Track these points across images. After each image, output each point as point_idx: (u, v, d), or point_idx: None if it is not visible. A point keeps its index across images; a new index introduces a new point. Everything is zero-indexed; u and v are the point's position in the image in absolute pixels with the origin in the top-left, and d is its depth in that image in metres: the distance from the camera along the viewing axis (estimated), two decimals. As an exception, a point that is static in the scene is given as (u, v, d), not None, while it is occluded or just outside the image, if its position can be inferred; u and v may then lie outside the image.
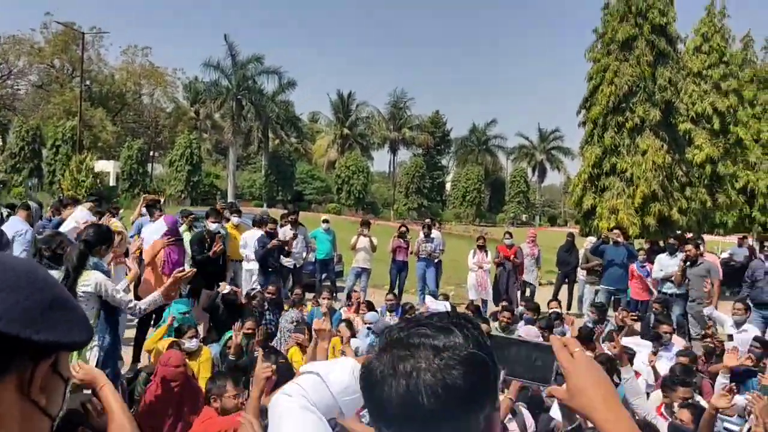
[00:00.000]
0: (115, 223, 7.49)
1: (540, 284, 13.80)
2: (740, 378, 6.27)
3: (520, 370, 1.25)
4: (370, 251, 12.49)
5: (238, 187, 50.45)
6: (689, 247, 9.84)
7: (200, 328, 7.32)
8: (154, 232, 8.42)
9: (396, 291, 12.11)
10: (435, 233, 13.09)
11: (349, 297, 10.57)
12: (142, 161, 45.58)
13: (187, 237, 9.79)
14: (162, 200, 11.08)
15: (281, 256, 10.70)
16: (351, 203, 50.67)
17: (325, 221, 13.06)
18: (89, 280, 4.67)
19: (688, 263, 9.71)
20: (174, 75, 56.80)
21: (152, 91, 56.60)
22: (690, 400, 4.79)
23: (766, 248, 9.54)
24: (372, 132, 60.30)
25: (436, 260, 12.76)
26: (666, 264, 10.49)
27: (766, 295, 9.08)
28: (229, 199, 41.23)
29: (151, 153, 53.72)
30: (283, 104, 52.32)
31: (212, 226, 9.24)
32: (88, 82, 49.86)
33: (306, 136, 61.43)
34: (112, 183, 47.18)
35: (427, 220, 13.99)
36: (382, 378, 1.01)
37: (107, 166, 48.57)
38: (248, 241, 10.58)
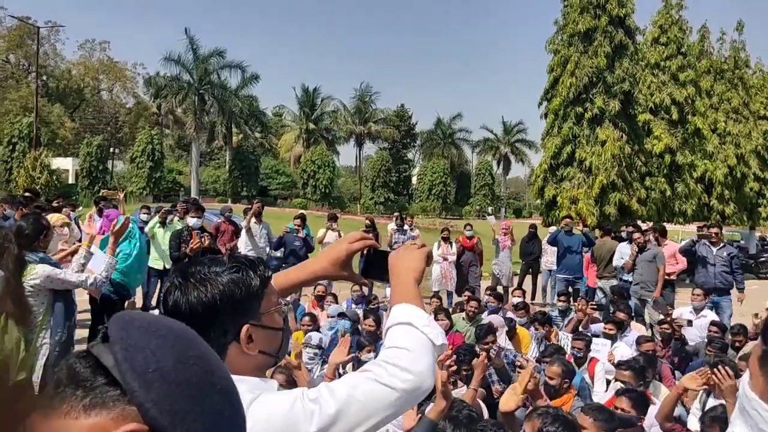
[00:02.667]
0: (61, 217, 7.21)
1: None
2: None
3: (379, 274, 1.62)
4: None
5: (202, 183, 49.77)
6: (637, 234, 10.06)
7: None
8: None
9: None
10: (406, 227, 13.29)
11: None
12: (102, 158, 44.65)
13: (160, 233, 9.59)
14: (122, 196, 10.77)
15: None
16: (317, 198, 50.40)
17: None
18: (36, 274, 4.51)
19: (638, 249, 9.93)
20: (134, 70, 55.88)
21: (111, 87, 55.56)
22: (634, 385, 4.79)
23: (712, 235, 9.60)
24: (338, 126, 60.02)
25: None
26: (626, 252, 10.64)
27: (713, 280, 9.32)
28: (193, 195, 40.66)
29: (112, 149, 52.70)
30: (247, 99, 51.72)
31: (191, 222, 8.87)
32: (44, 78, 48.70)
33: (271, 131, 60.89)
34: (71, 180, 46.18)
35: (396, 213, 14.14)
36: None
37: (66, 164, 47.51)
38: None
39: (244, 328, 1.35)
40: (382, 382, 1.26)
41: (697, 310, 8.36)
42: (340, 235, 12.33)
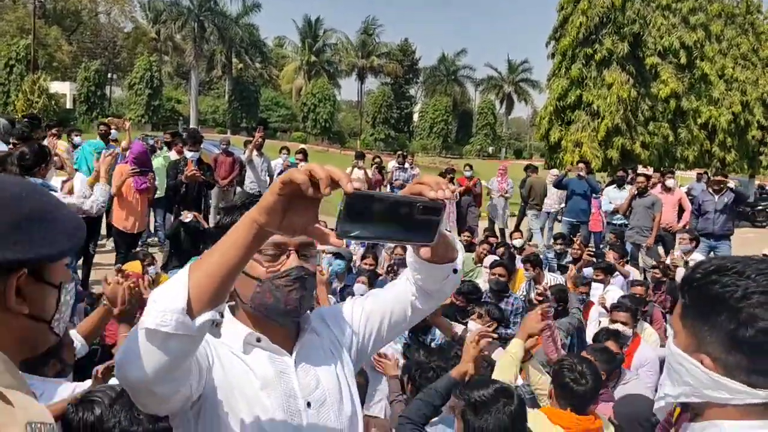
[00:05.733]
0: (59, 146, 7.20)
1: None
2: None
3: (396, 231, 1.12)
4: (365, 184, 12.26)
5: (201, 113, 49.27)
6: (640, 179, 10.08)
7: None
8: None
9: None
10: (407, 165, 13.29)
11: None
12: (100, 83, 44.01)
13: (156, 162, 9.57)
14: (128, 126, 10.68)
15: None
16: (317, 132, 50.01)
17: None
18: None
19: (637, 194, 9.98)
20: (132, -8, 54.33)
21: (109, 10, 54.19)
22: (629, 326, 4.92)
23: (712, 182, 9.97)
24: (339, 59, 58.99)
25: None
26: (614, 196, 10.72)
27: (712, 226, 9.51)
28: (192, 124, 40.32)
29: (109, 75, 51.86)
30: (247, 27, 50.63)
31: (189, 154, 8.90)
32: (40, -2, 47.41)
33: (271, 62, 59.87)
34: (68, 105, 45.65)
35: (400, 152, 14.12)
36: None
37: (63, 88, 46.85)
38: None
39: None
40: None
41: (686, 253, 8.50)
42: (367, 174, 12.24)
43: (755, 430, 1.11)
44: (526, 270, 7.35)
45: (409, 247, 1.48)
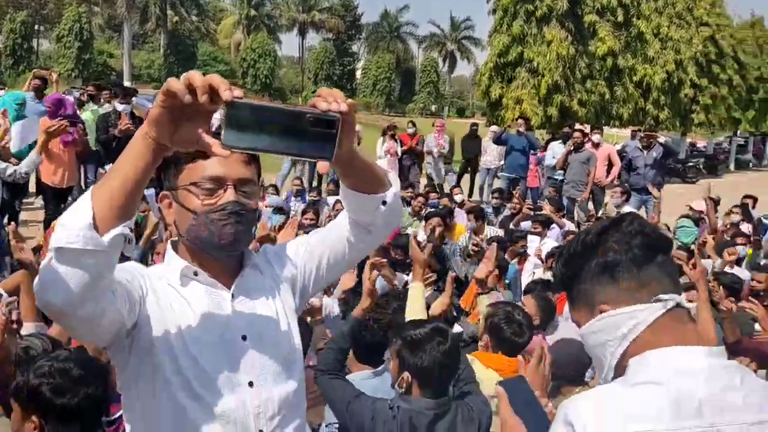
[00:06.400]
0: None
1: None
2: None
3: (288, 144, 1.06)
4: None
5: (135, 68, 47.41)
6: (577, 134, 10.37)
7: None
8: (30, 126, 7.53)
9: (303, 177, 11.89)
10: None
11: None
12: (27, 36, 41.84)
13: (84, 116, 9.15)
14: (55, 78, 10.15)
15: None
16: (257, 89, 48.88)
17: None
18: None
19: (573, 149, 10.23)
20: (57, -62, 51.33)
21: (33, -44, 51.14)
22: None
23: (642, 139, 10.34)
24: (280, 13, 57.55)
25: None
26: (558, 152, 10.93)
27: (643, 180, 9.78)
28: (125, 79, 38.78)
29: (36, 27, 49.24)
30: (182, -22, 48.72)
31: (120, 107, 8.55)
32: (-45, -58, 44.48)
33: (208, 15, 57.92)
34: (-8, 59, 43.35)
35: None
36: None
37: (-14, 40, 44.47)
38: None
39: None
40: None
41: (617, 207, 8.76)
42: None
43: (677, 353, 1.12)
44: (469, 221, 7.45)
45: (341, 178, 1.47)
